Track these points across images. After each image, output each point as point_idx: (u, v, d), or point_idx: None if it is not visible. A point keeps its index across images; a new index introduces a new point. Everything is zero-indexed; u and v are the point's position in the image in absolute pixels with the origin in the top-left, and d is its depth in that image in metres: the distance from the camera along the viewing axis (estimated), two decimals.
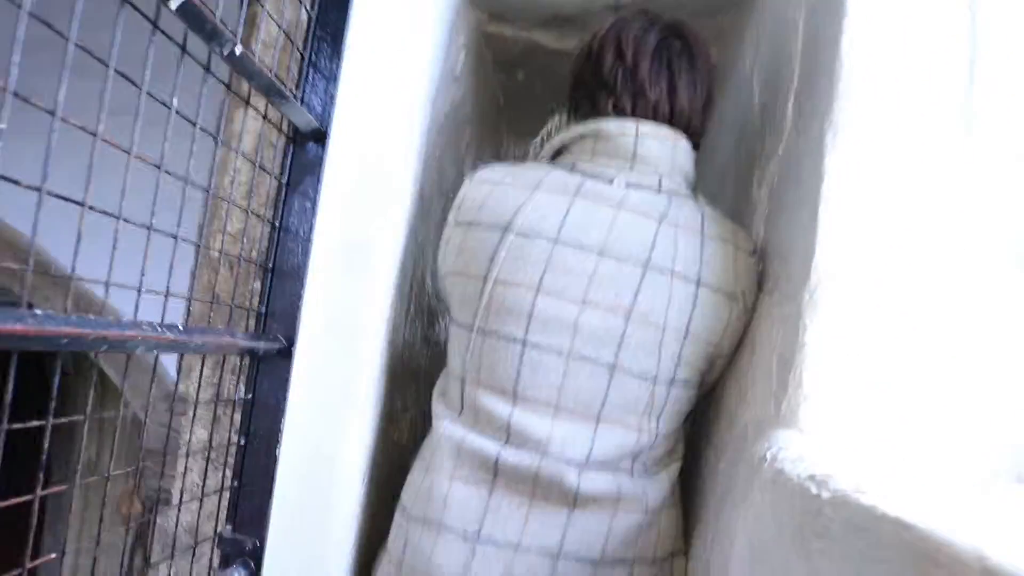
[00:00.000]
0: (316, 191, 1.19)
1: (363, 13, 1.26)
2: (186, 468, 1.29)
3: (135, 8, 0.75)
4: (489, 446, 1.23)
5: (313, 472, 1.24)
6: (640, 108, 1.30)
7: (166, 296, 0.89)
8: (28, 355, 0.60)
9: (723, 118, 1.76)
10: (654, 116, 1.30)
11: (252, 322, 1.18)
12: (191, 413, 1.23)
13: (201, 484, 1.19)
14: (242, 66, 0.92)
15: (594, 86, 1.33)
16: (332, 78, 1.22)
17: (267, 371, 1.15)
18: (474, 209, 1.29)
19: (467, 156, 2.03)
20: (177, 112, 0.85)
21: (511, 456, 1.21)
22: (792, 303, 1.08)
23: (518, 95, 2.42)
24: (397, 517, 1.30)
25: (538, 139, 2.12)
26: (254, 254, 1.23)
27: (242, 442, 1.15)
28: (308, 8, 1.22)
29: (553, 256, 1.22)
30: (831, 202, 1.04)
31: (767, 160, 1.31)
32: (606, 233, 1.23)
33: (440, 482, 1.24)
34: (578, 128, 1.33)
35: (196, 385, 1.16)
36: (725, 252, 1.25)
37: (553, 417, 1.22)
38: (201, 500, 1.13)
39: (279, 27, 1.16)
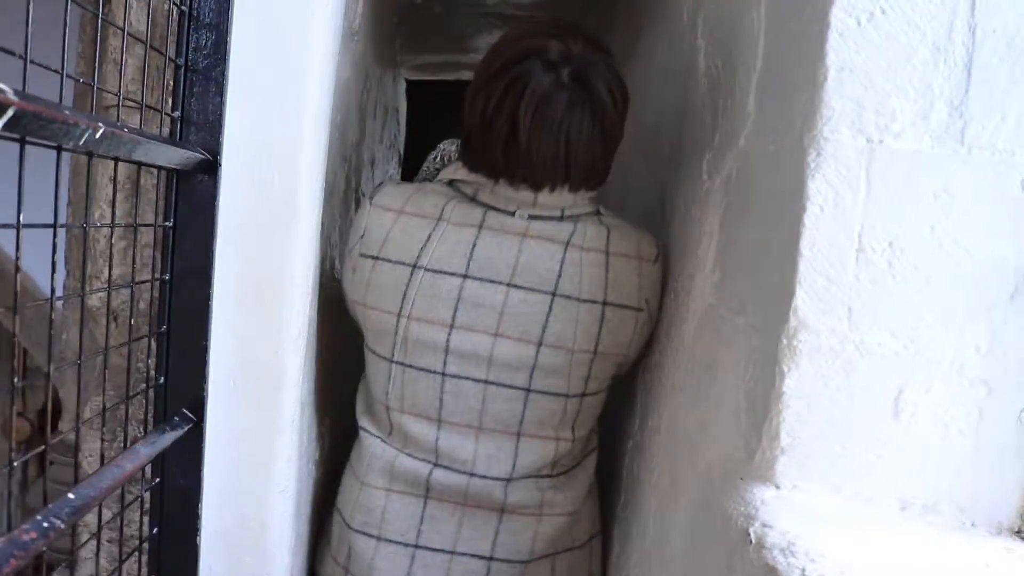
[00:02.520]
0: (212, 232, 1.00)
1: (244, 2, 1.03)
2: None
3: None
4: (420, 467, 1.31)
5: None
6: (533, 184, 1.27)
7: None
8: None
9: (655, 62, 1.59)
10: (548, 184, 1.27)
11: (152, 393, 1.01)
12: None
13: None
14: (105, 145, 0.72)
15: (485, 156, 1.28)
16: (220, 88, 1.01)
17: (176, 455, 0.99)
18: (379, 242, 1.28)
19: (367, 101, 1.81)
20: (29, 226, 0.66)
21: (441, 475, 1.30)
22: (764, 338, 0.97)
23: (414, 13, 2.19)
24: (337, 522, 1.37)
25: (434, 156, 1.99)
26: (141, 305, 1.05)
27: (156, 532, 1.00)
28: (177, 2, 0.99)
29: (464, 292, 1.25)
30: (815, 238, 0.92)
31: (722, 147, 1.16)
32: (513, 264, 1.26)
33: (376, 496, 1.32)
34: (474, 176, 1.30)
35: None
36: (629, 267, 1.30)
37: (476, 438, 1.30)
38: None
39: (136, 37, 0.93)
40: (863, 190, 0.91)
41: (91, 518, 1.04)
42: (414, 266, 1.25)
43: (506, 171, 1.27)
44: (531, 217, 1.28)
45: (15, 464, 0.68)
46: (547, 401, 1.28)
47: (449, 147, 2.18)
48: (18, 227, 0.65)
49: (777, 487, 0.95)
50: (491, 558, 1.32)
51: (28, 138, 0.63)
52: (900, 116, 0.91)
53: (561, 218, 1.29)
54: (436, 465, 1.30)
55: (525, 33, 1.27)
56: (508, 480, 1.30)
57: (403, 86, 2.98)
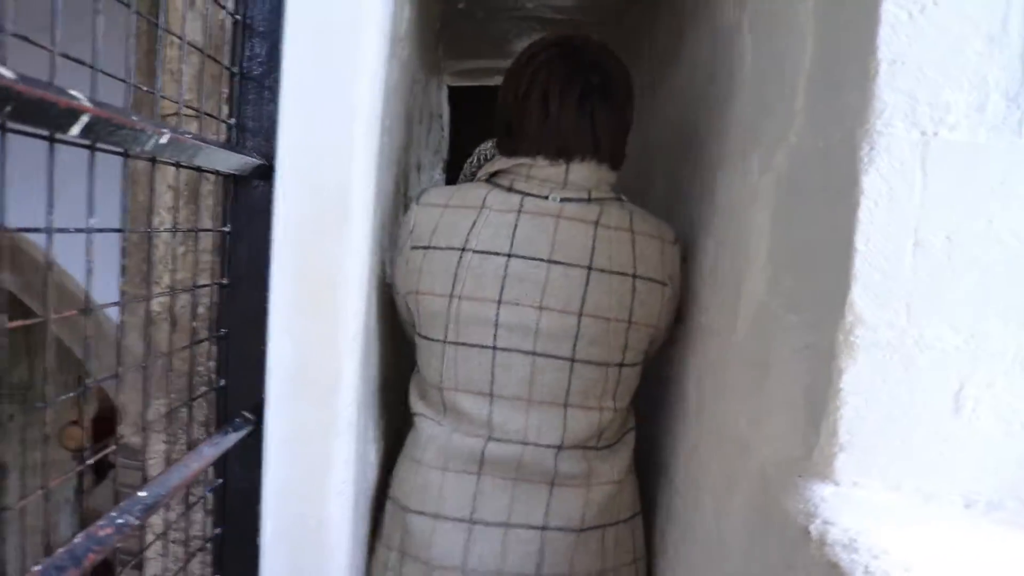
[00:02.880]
0: (267, 237, 1.02)
1: (296, 7, 1.05)
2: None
3: (35, 136, 0.57)
4: (474, 443, 1.40)
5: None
6: (565, 153, 1.42)
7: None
8: None
9: (699, 62, 1.58)
10: (581, 153, 1.43)
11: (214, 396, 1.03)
12: None
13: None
14: (168, 151, 0.74)
15: (522, 134, 1.44)
16: (273, 95, 1.03)
17: (237, 455, 1.01)
18: (428, 233, 1.41)
19: (413, 107, 1.83)
20: (98, 231, 0.68)
21: (495, 448, 1.39)
22: (820, 335, 0.97)
23: (457, 19, 2.21)
24: (390, 509, 1.45)
25: (474, 158, 2.11)
26: (200, 309, 1.07)
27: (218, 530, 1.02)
28: (231, 11, 1.01)
29: (509, 269, 1.37)
30: (869, 232, 0.91)
31: (773, 144, 1.16)
32: (551, 242, 1.38)
33: (433, 476, 1.40)
34: (514, 160, 1.44)
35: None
36: (652, 246, 1.43)
37: (527, 410, 1.40)
38: None
39: (195, 46, 0.95)
40: (919, 184, 0.91)
41: (154, 520, 1.06)
42: (463, 249, 1.38)
43: (543, 145, 1.42)
44: (563, 200, 1.41)
45: (88, 462, 0.69)
46: (590, 371, 1.39)
47: (485, 148, 2.24)
48: (88, 231, 0.67)
49: (836, 484, 0.94)
50: (544, 528, 1.39)
51: (97, 144, 0.65)
52: (955, 108, 0.90)
53: (589, 200, 1.43)
54: (490, 439, 1.40)
55: (548, 35, 1.53)
56: (559, 448, 1.40)
57: (446, 92, 3.00)
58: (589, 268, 1.37)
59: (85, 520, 0.87)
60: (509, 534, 1.38)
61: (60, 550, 0.58)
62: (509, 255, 1.37)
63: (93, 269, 0.67)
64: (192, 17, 1.11)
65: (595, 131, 1.42)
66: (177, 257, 1.07)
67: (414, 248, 1.40)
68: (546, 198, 1.41)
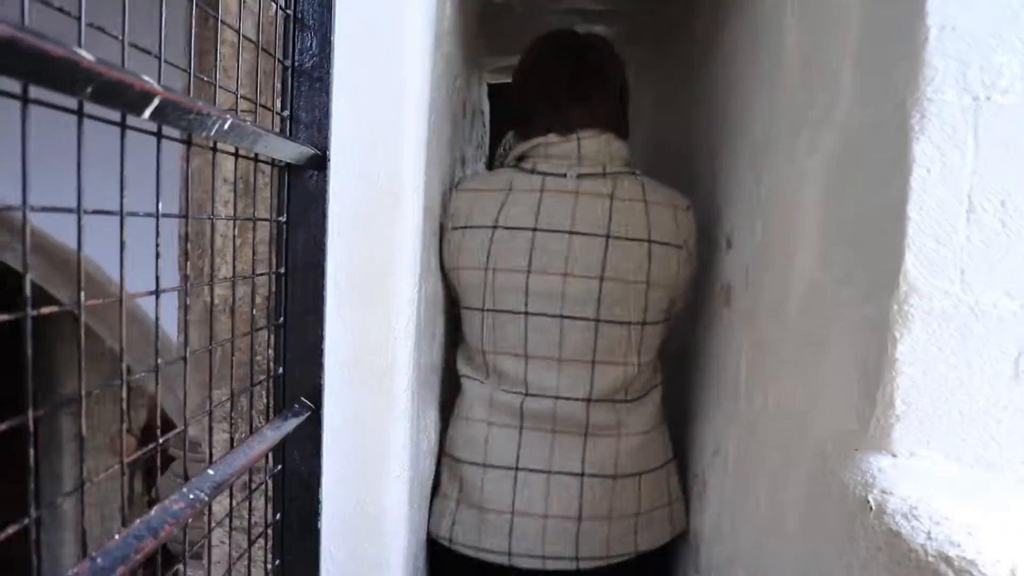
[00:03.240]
0: (323, 226, 1.04)
1: (346, 5, 1.07)
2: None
3: (106, 122, 0.60)
4: (513, 399, 1.56)
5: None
6: (570, 126, 1.59)
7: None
8: None
9: (740, 47, 1.58)
10: (584, 126, 1.60)
11: (271, 384, 1.05)
12: None
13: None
14: (230, 136, 0.76)
15: (531, 118, 1.65)
16: (325, 87, 1.05)
17: (296, 441, 1.03)
18: (464, 215, 1.58)
19: (456, 101, 1.85)
20: (165, 216, 0.70)
21: (532, 403, 1.55)
22: (874, 306, 0.96)
23: (496, 15, 2.23)
24: (446, 463, 1.62)
25: (500, 148, 2.29)
26: (258, 300, 1.09)
27: (278, 517, 1.04)
28: (283, 6, 1.03)
29: (535, 241, 1.53)
30: (922, 200, 0.90)
31: (818, 125, 1.15)
32: (571, 215, 1.54)
33: (480, 429, 1.57)
34: (531, 142, 1.62)
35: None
36: (666, 213, 1.58)
37: (558, 368, 1.55)
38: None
39: (249, 39, 0.98)
40: (971, 149, 0.90)
41: (215, 508, 1.09)
42: (494, 227, 1.54)
43: (552, 123, 1.60)
44: (579, 176, 1.57)
45: (147, 451, 0.72)
46: (614, 329, 1.54)
47: (509, 137, 2.32)
48: (157, 215, 0.70)
49: (894, 455, 0.94)
50: (583, 474, 1.54)
51: (164, 128, 0.67)
52: (1007, 71, 0.89)
53: (603, 175, 1.59)
54: (526, 395, 1.56)
55: (543, 34, 1.76)
56: (588, 401, 1.55)
57: (485, 89, 3.02)
58: (607, 236, 1.52)
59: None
60: (551, 480, 1.53)
61: (137, 521, 0.61)
62: (535, 229, 1.53)
63: (161, 253, 0.70)
64: (245, 15, 1.14)
65: (593, 105, 1.61)
66: (235, 248, 1.10)
67: (454, 229, 1.58)
68: (564, 176, 1.57)
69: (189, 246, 0.79)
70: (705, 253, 1.72)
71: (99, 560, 0.54)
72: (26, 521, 0.52)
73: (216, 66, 0.82)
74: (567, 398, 1.54)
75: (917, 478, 0.90)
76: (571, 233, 1.52)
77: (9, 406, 0.59)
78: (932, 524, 0.80)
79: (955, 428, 0.93)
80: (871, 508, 0.88)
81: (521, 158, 1.63)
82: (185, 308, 0.79)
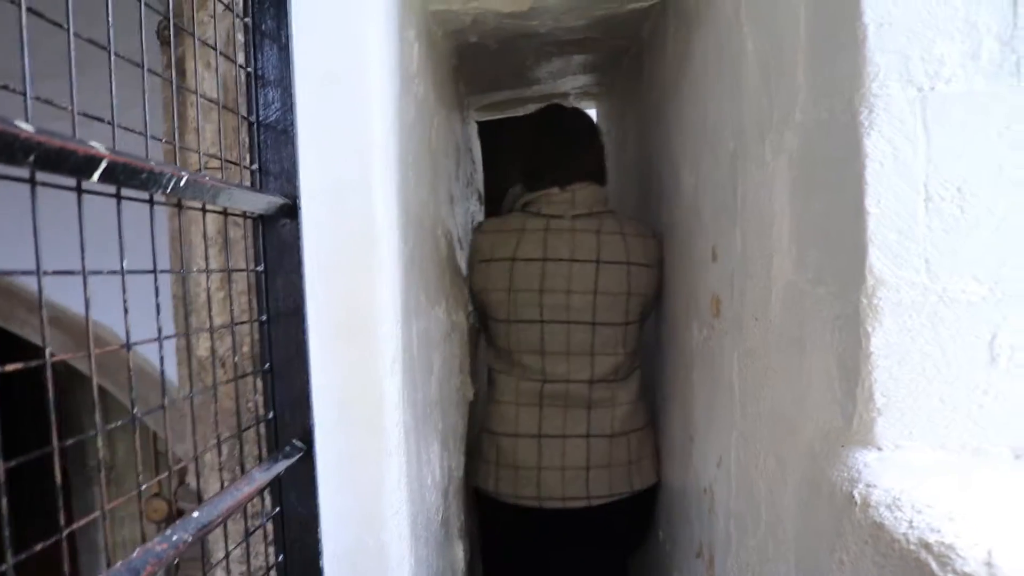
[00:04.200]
0: (300, 272, 1.06)
1: (303, 55, 1.11)
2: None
3: (59, 187, 0.62)
4: (535, 385, 2.11)
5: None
6: (567, 181, 2.12)
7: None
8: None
9: (708, 62, 1.61)
10: (577, 180, 2.13)
11: (264, 429, 1.07)
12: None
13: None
14: (189, 192, 0.78)
15: (539, 176, 2.17)
16: (290, 138, 1.07)
17: (291, 482, 1.04)
18: (488, 251, 2.14)
19: (434, 138, 1.88)
20: (131, 272, 0.72)
21: (549, 387, 2.10)
22: (846, 303, 0.97)
23: (472, 54, 2.26)
24: (485, 436, 2.17)
25: (509, 198, 2.57)
26: (245, 349, 1.11)
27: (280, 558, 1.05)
28: (243, 64, 1.07)
29: (544, 268, 2.07)
30: (879, 193, 0.92)
31: (782, 126, 1.17)
32: (571, 247, 2.08)
33: (510, 409, 2.12)
34: (537, 193, 2.15)
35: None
36: (638, 241, 2.12)
37: (567, 359, 2.09)
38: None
39: (210, 99, 1.01)
40: (922, 139, 0.91)
41: (218, 553, 1.10)
42: (513, 259, 2.08)
43: (553, 178, 2.12)
44: (574, 217, 2.10)
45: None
46: (606, 329, 2.08)
47: (515, 189, 2.60)
48: (122, 272, 0.72)
49: (879, 449, 0.94)
50: (588, 435, 2.08)
51: (122, 190, 0.70)
52: (948, 60, 0.90)
53: (590, 215, 2.11)
54: (544, 381, 2.10)
55: (535, 110, 2.35)
56: (591, 382, 2.09)
57: (474, 128, 3.06)
58: (598, 262, 2.06)
59: None
60: (566, 442, 2.07)
61: (119, 563, 0.62)
62: (544, 259, 2.06)
63: (129, 309, 0.72)
64: (209, 76, 1.17)
65: (581, 164, 2.16)
66: (215, 303, 1.13)
67: (480, 262, 2.13)
68: (563, 217, 2.10)
69: (174, 316, 0.82)
70: (695, 268, 1.73)
71: None
72: None
73: (174, 129, 0.85)
74: (575, 381, 2.08)
75: (901, 469, 0.90)
76: (571, 261, 2.06)
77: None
78: (914, 513, 0.81)
79: (937, 417, 0.94)
80: (856, 502, 0.88)
81: (526, 204, 2.15)
82: (189, 350, 0.81)
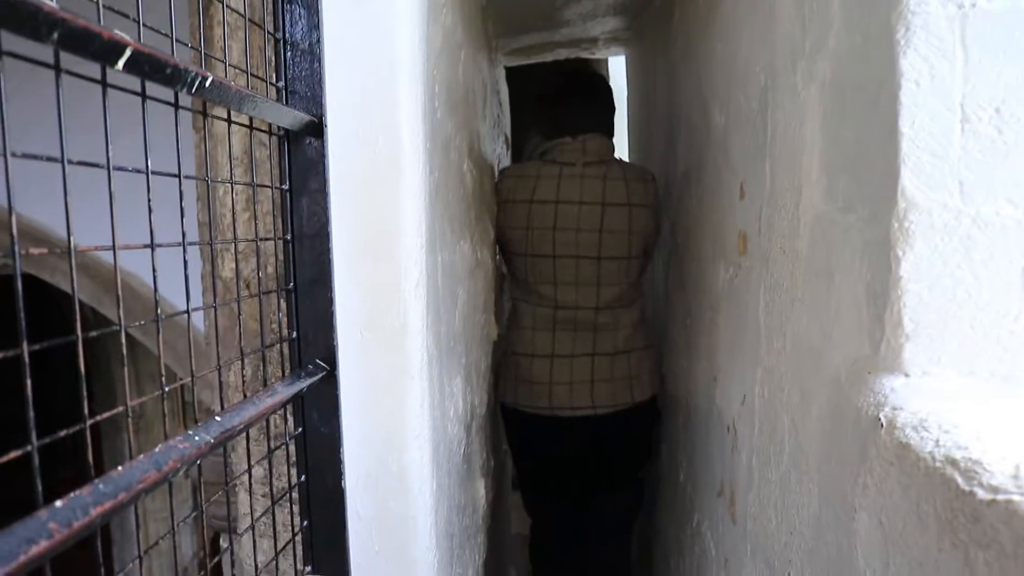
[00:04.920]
0: (325, 192, 1.06)
1: None
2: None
3: (75, 75, 0.62)
4: (548, 311, 2.43)
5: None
6: (578, 132, 2.39)
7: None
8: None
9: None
10: (587, 131, 2.40)
11: (286, 349, 1.07)
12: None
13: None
14: (214, 94, 0.78)
15: (551, 124, 2.49)
16: (316, 56, 1.06)
17: (314, 402, 1.05)
18: (509, 193, 2.44)
19: (462, 73, 1.86)
20: (155, 173, 0.72)
21: (561, 313, 2.42)
22: (876, 228, 0.96)
23: None
24: (506, 359, 2.52)
25: (529, 147, 2.93)
26: (269, 270, 1.12)
27: (302, 478, 1.07)
28: None
29: (558, 209, 2.36)
30: (914, 114, 0.89)
31: (814, 54, 1.15)
32: (580, 190, 2.36)
33: (527, 332, 2.45)
34: (552, 142, 2.43)
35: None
36: (639, 184, 2.42)
37: (576, 289, 2.40)
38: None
39: (239, 13, 1.00)
40: (960, 59, 0.89)
41: (244, 477, 1.11)
42: (530, 201, 2.38)
43: (566, 131, 2.41)
44: (584, 164, 2.39)
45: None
46: (611, 263, 2.38)
47: (535, 139, 2.90)
48: (147, 173, 0.72)
49: (907, 375, 0.93)
50: (593, 354, 2.41)
51: (147, 88, 0.70)
52: None
53: (599, 163, 2.39)
54: (557, 308, 2.42)
55: (555, 70, 2.71)
56: (597, 309, 2.40)
57: (502, 72, 3.05)
58: (603, 204, 2.36)
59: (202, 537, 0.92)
60: (574, 361, 2.41)
61: (141, 456, 0.63)
62: (557, 201, 2.37)
63: (153, 208, 0.72)
64: None
65: (593, 118, 2.44)
66: (240, 224, 1.13)
67: (503, 202, 2.44)
68: (574, 164, 2.38)
69: (206, 228, 0.81)
70: (722, 208, 1.72)
71: (101, 486, 0.56)
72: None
73: (200, 39, 0.84)
74: (583, 307, 2.40)
75: (928, 394, 0.89)
76: (580, 203, 2.36)
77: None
78: (941, 433, 0.80)
79: (966, 343, 0.92)
80: (882, 425, 0.88)
81: (544, 153, 2.44)
82: (213, 268, 0.81)
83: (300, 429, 1.06)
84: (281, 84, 1.06)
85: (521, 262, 2.43)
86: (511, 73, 3.36)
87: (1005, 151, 0.89)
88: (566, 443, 2.48)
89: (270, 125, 1.01)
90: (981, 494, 0.68)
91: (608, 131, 2.48)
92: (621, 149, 3.54)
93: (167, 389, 0.74)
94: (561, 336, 2.41)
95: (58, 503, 0.52)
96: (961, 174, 0.90)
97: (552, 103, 2.50)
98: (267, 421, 1.05)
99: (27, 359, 0.49)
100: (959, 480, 0.71)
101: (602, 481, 2.56)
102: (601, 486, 2.58)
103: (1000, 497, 0.66)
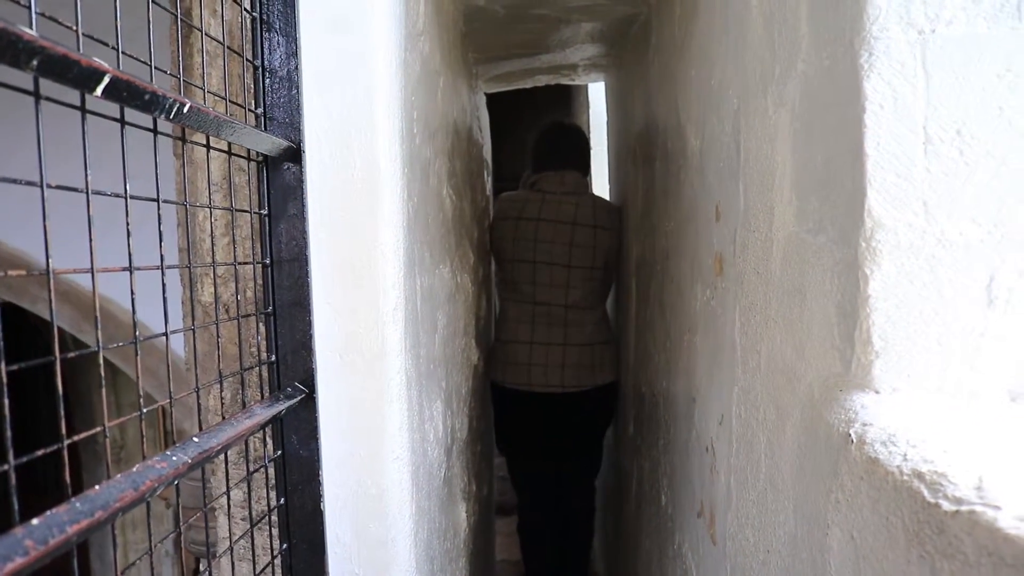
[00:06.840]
0: (303, 217, 1.07)
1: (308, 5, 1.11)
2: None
3: (55, 101, 0.63)
4: (529, 307, 3.13)
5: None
6: (560, 168, 3.16)
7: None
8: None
9: (713, 24, 1.60)
10: (567, 168, 3.17)
11: (265, 373, 1.08)
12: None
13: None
14: (193, 120, 0.79)
15: (539, 162, 3.24)
16: (294, 83, 1.08)
17: (293, 425, 1.06)
18: (503, 212, 3.17)
19: (440, 100, 1.88)
20: (134, 197, 0.73)
21: (538, 309, 3.11)
22: (844, 248, 0.98)
23: (480, 20, 2.26)
24: (494, 345, 3.25)
25: (523, 178, 3.43)
26: (248, 294, 1.12)
27: (281, 501, 1.07)
28: (249, 9, 1.07)
29: (539, 227, 3.08)
30: (878, 136, 0.92)
31: (784, 78, 1.17)
32: (557, 212, 3.07)
33: (512, 324, 3.16)
34: (539, 175, 3.18)
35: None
36: (604, 212, 3.14)
37: (550, 289, 3.09)
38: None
39: (217, 41, 1.02)
40: (922, 82, 0.91)
41: (221, 503, 1.11)
42: (517, 218, 3.10)
43: (550, 164, 3.17)
44: (562, 193, 3.11)
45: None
46: (578, 271, 3.06)
47: (527, 173, 3.48)
48: (126, 198, 0.73)
49: (877, 392, 0.95)
50: (565, 344, 3.11)
51: (126, 113, 0.71)
52: (949, 3, 0.90)
53: (574, 192, 3.13)
54: (536, 304, 3.11)
55: (544, 123, 3.43)
56: (566, 306, 3.09)
57: (483, 99, 3.11)
58: (574, 223, 3.06)
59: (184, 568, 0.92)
60: (550, 348, 3.09)
61: (119, 475, 0.63)
62: (538, 219, 3.07)
63: (131, 232, 0.73)
64: (215, 23, 1.18)
65: (572, 160, 3.21)
66: (219, 249, 1.14)
67: (498, 220, 3.16)
68: (555, 192, 3.10)
69: (180, 269, 0.82)
70: (699, 230, 1.74)
71: (78, 504, 0.56)
72: None
73: (179, 67, 0.86)
74: (555, 305, 3.08)
75: (898, 410, 0.91)
76: (556, 222, 3.05)
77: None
78: (909, 447, 0.81)
79: (934, 360, 0.94)
80: (852, 441, 0.89)
81: (533, 183, 3.16)
82: (192, 292, 0.82)
83: (279, 452, 1.07)
84: (260, 111, 1.07)
85: (508, 266, 3.15)
86: (496, 100, 3.54)
87: (967, 172, 0.91)
88: (541, 413, 3.15)
89: (249, 151, 1.03)
90: (946, 505, 0.69)
91: (584, 170, 3.26)
92: (601, 174, 3.77)
93: (145, 411, 0.75)
94: (539, 327, 3.10)
95: (34, 521, 0.52)
96: (925, 194, 0.92)
97: (541, 146, 3.23)
98: (246, 444, 1.05)
99: (4, 378, 0.50)
100: (925, 492, 0.73)
101: (569, 444, 3.27)
102: (569, 451, 3.29)
103: (963, 508, 0.67)
